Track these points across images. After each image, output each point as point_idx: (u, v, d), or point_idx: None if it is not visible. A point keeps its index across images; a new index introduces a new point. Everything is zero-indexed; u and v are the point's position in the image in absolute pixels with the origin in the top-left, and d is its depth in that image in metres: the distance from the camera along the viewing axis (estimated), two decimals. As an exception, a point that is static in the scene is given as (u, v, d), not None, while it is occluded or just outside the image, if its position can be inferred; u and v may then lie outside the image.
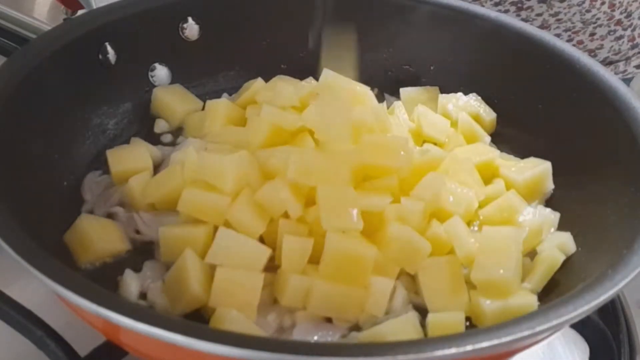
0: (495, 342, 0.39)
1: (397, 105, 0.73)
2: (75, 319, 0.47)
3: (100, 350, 0.51)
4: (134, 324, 0.38)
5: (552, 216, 0.61)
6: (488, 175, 0.65)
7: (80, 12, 0.81)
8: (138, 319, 0.38)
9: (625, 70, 1.01)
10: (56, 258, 0.45)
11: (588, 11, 0.86)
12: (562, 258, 0.56)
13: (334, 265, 0.51)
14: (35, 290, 0.53)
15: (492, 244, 0.54)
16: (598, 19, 0.86)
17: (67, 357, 0.49)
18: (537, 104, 0.68)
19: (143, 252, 0.57)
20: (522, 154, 0.68)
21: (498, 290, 0.52)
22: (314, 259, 0.53)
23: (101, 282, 0.54)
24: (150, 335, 0.38)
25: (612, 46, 0.94)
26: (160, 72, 0.73)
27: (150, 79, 0.73)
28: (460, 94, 0.72)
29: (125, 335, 0.44)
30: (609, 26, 0.87)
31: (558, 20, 0.89)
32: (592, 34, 0.92)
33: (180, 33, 0.73)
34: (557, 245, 0.57)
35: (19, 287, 0.54)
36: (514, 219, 0.59)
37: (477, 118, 0.70)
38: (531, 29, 0.70)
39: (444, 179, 0.59)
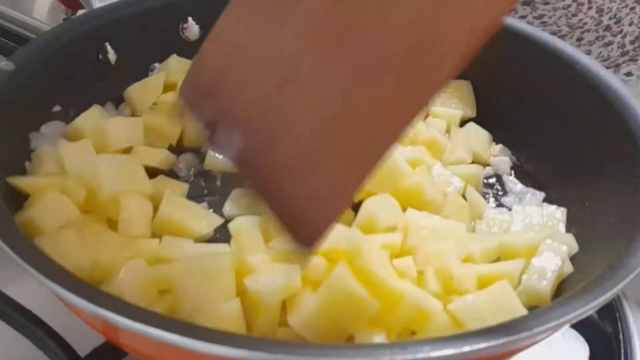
0: (493, 342, 0.39)
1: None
2: (75, 319, 0.47)
3: (100, 350, 0.51)
4: (133, 324, 0.38)
5: (559, 214, 0.60)
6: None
7: (80, 12, 0.81)
8: (137, 320, 0.38)
9: None
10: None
11: (574, 15, 0.82)
12: (570, 270, 0.55)
13: (331, 296, 0.48)
14: (35, 290, 0.53)
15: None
16: (585, 23, 0.81)
17: (67, 357, 0.49)
18: (537, 104, 0.68)
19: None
20: (522, 154, 0.68)
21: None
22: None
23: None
24: (149, 336, 0.38)
25: (600, 52, 0.89)
26: (161, 72, 0.73)
27: (151, 79, 0.73)
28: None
29: (124, 336, 0.44)
30: (597, 32, 0.82)
31: (543, 23, 0.85)
32: (579, 39, 0.87)
33: (180, 33, 0.73)
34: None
35: (19, 287, 0.54)
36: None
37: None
38: (531, 29, 0.70)
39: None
